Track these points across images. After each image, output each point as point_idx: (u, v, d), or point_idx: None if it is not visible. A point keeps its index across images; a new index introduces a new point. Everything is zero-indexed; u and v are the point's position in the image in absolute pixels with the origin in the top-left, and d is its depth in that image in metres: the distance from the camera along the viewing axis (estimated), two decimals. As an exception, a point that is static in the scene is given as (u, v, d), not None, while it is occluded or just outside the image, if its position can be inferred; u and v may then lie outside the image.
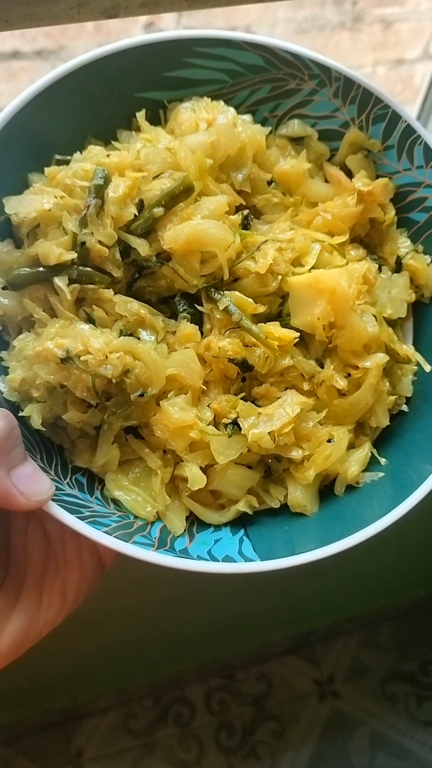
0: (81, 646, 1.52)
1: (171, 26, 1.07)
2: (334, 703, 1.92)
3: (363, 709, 1.92)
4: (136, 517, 0.59)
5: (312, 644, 2.01)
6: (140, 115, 0.66)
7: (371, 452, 0.65)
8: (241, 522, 0.62)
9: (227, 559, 0.56)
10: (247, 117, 0.69)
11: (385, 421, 0.65)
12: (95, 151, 0.64)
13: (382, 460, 0.65)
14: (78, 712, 1.84)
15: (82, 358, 0.56)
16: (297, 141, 0.71)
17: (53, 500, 0.54)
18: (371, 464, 0.65)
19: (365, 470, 0.64)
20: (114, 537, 0.53)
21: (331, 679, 1.96)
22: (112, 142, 0.67)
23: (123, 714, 1.86)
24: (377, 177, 0.70)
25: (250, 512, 0.62)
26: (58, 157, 0.65)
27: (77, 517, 0.54)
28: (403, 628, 2.06)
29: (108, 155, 0.63)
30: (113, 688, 1.87)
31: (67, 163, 0.64)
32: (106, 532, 0.54)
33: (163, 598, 1.48)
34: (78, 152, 0.64)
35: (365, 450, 0.64)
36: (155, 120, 0.68)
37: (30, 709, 1.78)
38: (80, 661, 1.63)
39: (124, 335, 0.59)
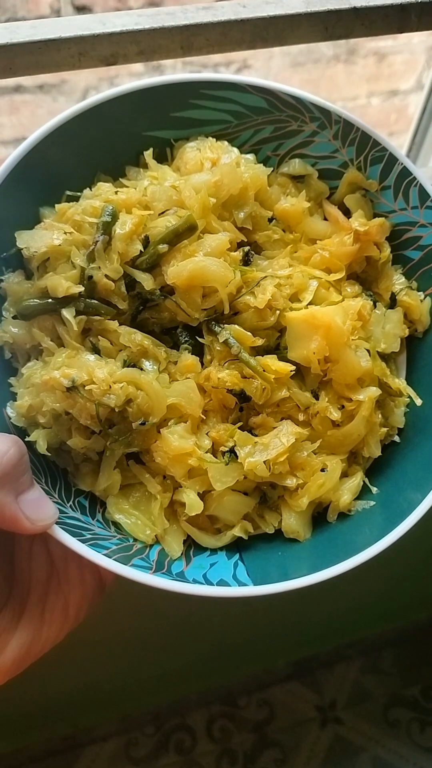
0: (81, 673, 1.51)
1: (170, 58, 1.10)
2: (336, 730, 1.90)
3: (365, 736, 1.90)
4: (135, 540, 0.61)
5: (313, 670, 1.99)
6: (148, 154, 0.69)
7: (363, 481, 0.66)
8: (236, 546, 0.64)
9: (222, 582, 0.57)
10: (250, 156, 0.71)
11: (377, 452, 0.67)
12: (104, 188, 0.66)
13: (374, 489, 0.66)
14: (79, 740, 1.83)
15: (86, 388, 0.58)
16: (298, 179, 0.73)
17: (57, 523, 0.55)
18: (363, 493, 0.66)
19: (357, 498, 0.65)
20: (113, 560, 0.55)
21: (333, 705, 1.94)
22: (120, 178, 0.69)
23: (124, 741, 1.84)
24: (374, 216, 0.72)
25: (246, 537, 0.63)
26: (68, 192, 0.67)
27: (79, 540, 0.55)
28: (404, 653, 2.04)
29: (116, 192, 0.65)
30: (114, 716, 1.85)
31: (77, 199, 0.66)
32: (105, 555, 0.55)
33: (163, 625, 1.48)
34: (88, 188, 0.66)
35: (358, 479, 0.65)
36: (162, 157, 0.71)
37: (31, 737, 1.76)
38: (81, 689, 1.62)
39: (128, 365, 0.61)
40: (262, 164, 0.70)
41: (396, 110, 1.38)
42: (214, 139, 0.70)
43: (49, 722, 1.75)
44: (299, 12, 0.62)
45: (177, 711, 1.89)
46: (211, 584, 0.57)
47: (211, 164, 0.67)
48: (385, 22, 0.65)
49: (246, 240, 0.68)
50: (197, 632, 1.58)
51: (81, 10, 1.08)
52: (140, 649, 1.58)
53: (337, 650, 2.02)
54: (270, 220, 0.70)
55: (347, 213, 0.72)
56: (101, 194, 0.65)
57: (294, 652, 1.98)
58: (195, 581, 0.57)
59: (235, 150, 0.69)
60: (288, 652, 1.97)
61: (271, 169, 0.71)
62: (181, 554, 0.61)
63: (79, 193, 0.66)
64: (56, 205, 0.65)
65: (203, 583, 0.57)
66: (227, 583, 0.58)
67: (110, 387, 0.58)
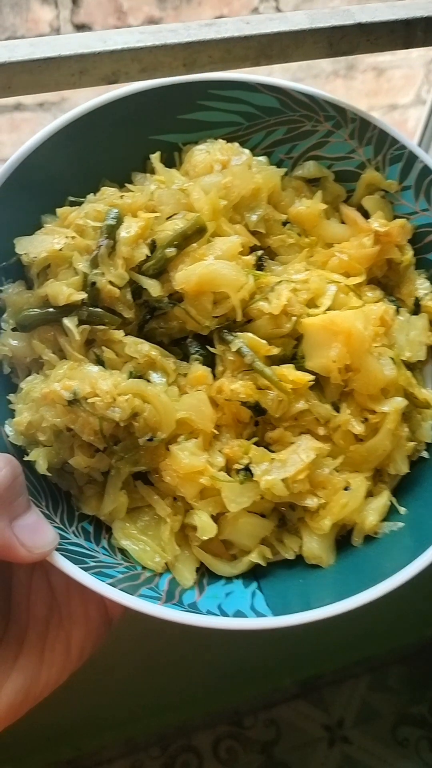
0: (85, 695, 1.50)
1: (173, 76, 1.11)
2: (344, 749, 1.88)
3: (374, 755, 1.87)
4: (143, 568, 0.58)
5: (320, 688, 1.97)
6: (154, 157, 0.66)
7: (390, 501, 0.62)
8: (254, 574, 0.60)
9: (238, 614, 0.54)
10: (263, 159, 0.68)
11: (405, 468, 0.63)
12: (108, 192, 0.64)
13: (402, 509, 0.62)
14: (83, 763, 1.80)
15: (89, 401, 0.55)
16: (313, 182, 0.70)
17: (57, 550, 0.52)
18: (390, 513, 0.63)
19: (384, 520, 0.62)
20: (119, 589, 0.52)
21: (341, 724, 1.92)
22: (127, 184, 0.67)
23: (129, 764, 1.82)
24: (394, 218, 0.69)
25: (264, 564, 0.59)
26: (71, 198, 0.64)
27: (81, 568, 0.52)
28: (412, 670, 2.02)
29: (121, 196, 0.63)
30: (119, 738, 1.84)
31: (80, 204, 0.64)
32: (110, 584, 0.52)
33: (168, 646, 1.46)
34: (92, 194, 0.64)
35: (384, 498, 0.62)
36: (170, 162, 0.68)
37: (33, 761, 1.74)
38: (85, 711, 1.60)
39: (135, 377, 0.58)
40: (275, 166, 0.68)
41: (396, 124, 1.42)
42: (225, 142, 0.68)
43: (53, 745, 1.74)
44: (303, 28, 0.61)
45: (183, 732, 1.88)
46: (227, 616, 0.54)
47: (221, 166, 0.65)
48: (391, 37, 0.64)
49: (259, 244, 0.65)
50: (202, 653, 1.57)
51: (81, 28, 1.08)
52: (145, 670, 1.57)
53: (344, 668, 2.01)
54: (284, 224, 0.68)
55: (366, 216, 0.69)
56: (105, 198, 0.63)
57: (300, 670, 1.96)
58: (209, 613, 0.54)
59: (247, 151, 0.67)
60: (294, 670, 1.96)
61: (285, 170, 0.68)
62: (194, 583, 0.58)
63: (82, 199, 0.64)
64: (58, 210, 0.63)
65: (218, 615, 0.54)
66: (244, 614, 0.54)
67: (114, 399, 0.55)
